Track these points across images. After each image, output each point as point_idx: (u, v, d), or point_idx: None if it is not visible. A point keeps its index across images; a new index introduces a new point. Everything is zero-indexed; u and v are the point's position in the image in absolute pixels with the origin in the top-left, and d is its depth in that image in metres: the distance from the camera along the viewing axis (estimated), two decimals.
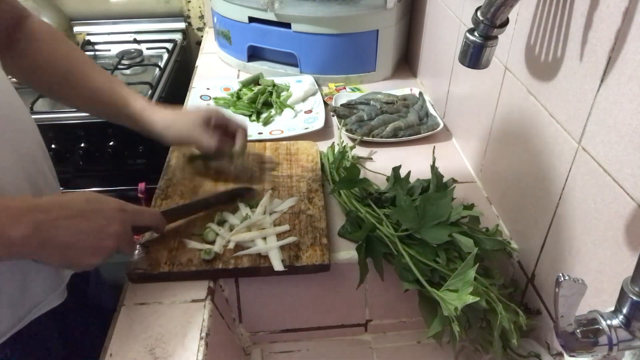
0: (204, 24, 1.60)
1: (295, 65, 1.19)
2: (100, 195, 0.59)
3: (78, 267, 0.57)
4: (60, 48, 0.74)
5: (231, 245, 0.68)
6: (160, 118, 0.75)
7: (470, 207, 0.73)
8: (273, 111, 1.05)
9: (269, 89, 1.09)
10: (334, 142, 0.92)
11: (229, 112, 0.95)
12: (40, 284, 0.64)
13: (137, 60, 1.43)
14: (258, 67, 1.22)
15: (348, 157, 0.86)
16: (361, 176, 0.76)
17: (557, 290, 0.39)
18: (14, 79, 0.69)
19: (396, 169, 0.77)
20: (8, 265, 0.58)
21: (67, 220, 0.53)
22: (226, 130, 0.79)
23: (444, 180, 0.77)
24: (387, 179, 0.80)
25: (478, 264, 0.58)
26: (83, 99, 0.75)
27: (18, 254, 0.51)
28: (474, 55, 0.56)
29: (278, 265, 0.65)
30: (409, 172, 0.76)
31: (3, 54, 0.68)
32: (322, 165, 0.86)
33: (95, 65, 0.76)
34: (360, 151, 0.93)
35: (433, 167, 0.75)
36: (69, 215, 0.53)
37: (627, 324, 0.40)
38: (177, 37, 1.56)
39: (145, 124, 0.75)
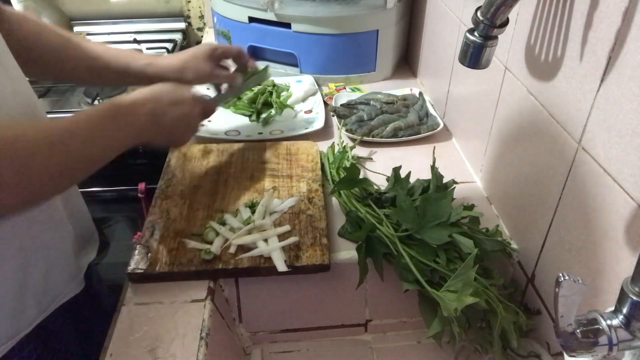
0: (204, 24, 1.60)
1: (295, 65, 1.19)
2: (176, 86, 0.68)
3: (178, 144, 0.77)
4: (47, 25, 0.74)
5: (232, 250, 0.68)
6: (169, 65, 0.78)
7: (470, 207, 0.73)
8: (273, 111, 1.05)
9: (269, 89, 1.09)
10: (333, 142, 0.92)
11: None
12: (60, 273, 0.66)
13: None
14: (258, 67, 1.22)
15: (348, 157, 0.86)
16: (361, 176, 0.76)
17: (557, 290, 0.39)
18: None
19: (396, 169, 0.77)
20: (33, 254, 0.61)
21: (169, 107, 0.65)
22: (227, 58, 0.85)
23: (444, 180, 0.77)
24: (387, 179, 0.80)
25: (478, 265, 0.58)
26: (83, 67, 0.75)
27: (139, 138, 0.63)
28: (474, 55, 0.56)
29: (281, 267, 0.65)
30: (409, 173, 0.76)
31: None
32: (322, 165, 0.86)
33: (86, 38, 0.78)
34: (360, 151, 0.93)
35: (433, 168, 0.75)
36: (169, 102, 0.65)
37: (627, 324, 0.40)
38: (177, 37, 1.56)
39: (154, 76, 0.76)
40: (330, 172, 0.83)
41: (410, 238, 0.67)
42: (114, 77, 0.78)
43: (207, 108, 0.74)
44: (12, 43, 0.61)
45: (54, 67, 0.75)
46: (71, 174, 0.56)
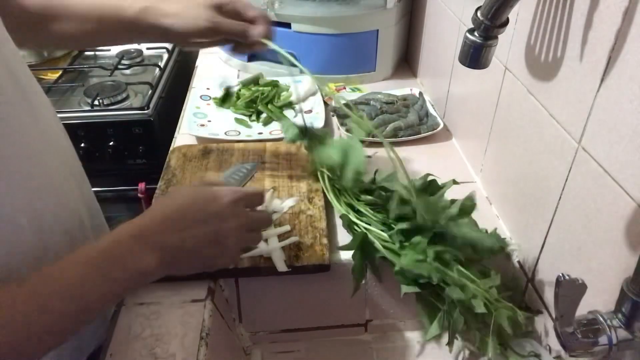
0: None
1: (296, 65, 1.19)
2: (205, 193, 0.54)
3: (210, 269, 0.56)
4: None
5: None
6: (168, 10, 0.67)
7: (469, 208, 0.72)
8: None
9: (267, 91, 1.08)
10: None
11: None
12: (92, 332, 0.64)
13: (137, 60, 1.43)
14: (258, 67, 1.22)
15: None
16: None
17: (557, 290, 0.39)
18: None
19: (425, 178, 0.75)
20: None
21: (186, 231, 0.51)
22: (242, 19, 0.69)
23: (444, 180, 0.76)
24: (376, 173, 0.79)
25: (476, 266, 0.58)
26: (71, 27, 0.67)
27: (151, 280, 0.51)
28: (474, 55, 0.56)
29: (282, 267, 0.65)
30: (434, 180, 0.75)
31: None
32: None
33: None
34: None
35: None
36: (185, 227, 0.51)
37: (627, 324, 0.40)
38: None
39: (152, 23, 0.67)
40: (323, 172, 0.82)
41: (405, 237, 0.66)
42: (111, 27, 0.68)
43: (250, 210, 0.57)
44: None
45: (40, 33, 0.67)
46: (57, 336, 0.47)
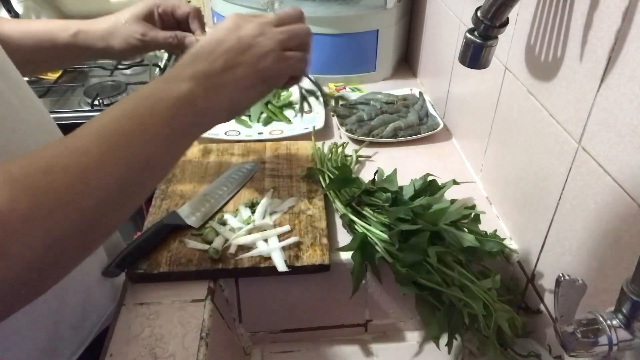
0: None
1: None
2: (235, 20, 0.53)
3: (271, 87, 0.54)
4: None
5: (232, 250, 0.68)
6: (100, 31, 0.65)
7: (472, 207, 0.73)
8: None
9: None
10: (335, 142, 0.92)
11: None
12: (99, 300, 0.62)
13: (137, 60, 1.43)
14: None
15: (338, 156, 0.86)
16: (361, 176, 0.76)
17: (557, 290, 0.39)
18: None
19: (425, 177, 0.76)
20: (70, 282, 0.55)
21: (215, 56, 0.48)
22: (176, 19, 0.68)
23: (444, 181, 0.77)
24: (375, 173, 0.79)
25: (476, 266, 0.58)
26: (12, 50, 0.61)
27: (202, 108, 0.47)
28: (474, 55, 0.56)
29: (282, 267, 0.65)
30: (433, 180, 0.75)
31: None
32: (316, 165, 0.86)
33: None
34: (360, 151, 0.93)
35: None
36: (215, 52, 0.49)
37: (627, 324, 0.40)
38: None
39: (86, 47, 0.65)
40: (321, 172, 0.82)
41: (404, 238, 0.66)
42: (43, 59, 0.66)
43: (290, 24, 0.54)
44: None
45: None
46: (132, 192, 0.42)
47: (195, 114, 0.46)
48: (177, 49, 0.67)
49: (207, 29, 0.68)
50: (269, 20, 0.53)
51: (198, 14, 0.67)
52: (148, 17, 0.65)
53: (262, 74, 0.51)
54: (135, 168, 0.41)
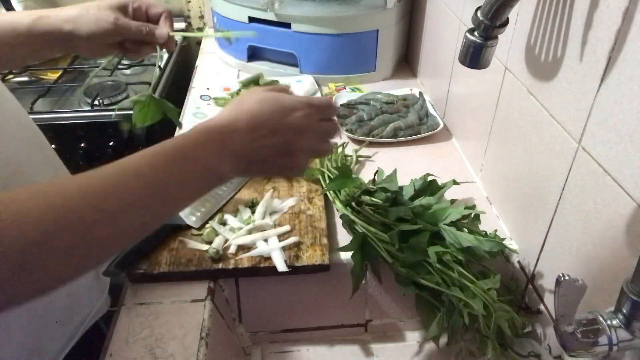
0: (204, 24, 1.60)
1: (295, 65, 1.19)
2: (284, 103, 0.52)
3: (278, 176, 0.56)
4: None
5: (232, 250, 0.68)
6: (65, 15, 0.62)
7: (472, 207, 0.73)
8: None
9: None
10: (333, 142, 0.92)
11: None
12: (86, 294, 0.61)
13: (137, 60, 1.43)
14: (258, 67, 1.22)
15: (338, 156, 0.86)
16: (361, 176, 0.76)
17: (557, 290, 0.39)
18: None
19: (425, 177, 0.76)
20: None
21: (264, 139, 0.49)
22: (147, 18, 0.67)
23: (444, 181, 0.77)
24: (376, 174, 0.79)
25: (476, 266, 0.58)
26: None
27: (225, 182, 0.50)
28: (474, 55, 0.56)
29: (282, 267, 0.65)
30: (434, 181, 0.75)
31: None
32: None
33: None
34: (360, 151, 0.93)
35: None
36: (262, 135, 0.49)
37: (627, 324, 0.40)
38: (177, 37, 1.56)
39: (46, 33, 0.61)
40: (321, 172, 0.82)
41: (404, 238, 0.66)
42: (4, 51, 0.61)
43: (324, 116, 0.56)
44: None
45: None
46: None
47: (219, 183, 0.49)
48: (146, 40, 0.66)
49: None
50: (314, 111, 0.53)
51: (170, 16, 0.68)
52: (122, 9, 0.64)
53: (291, 162, 0.53)
54: (143, 228, 0.42)
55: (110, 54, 0.68)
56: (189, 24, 1.60)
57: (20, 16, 0.61)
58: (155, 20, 0.67)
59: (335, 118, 0.58)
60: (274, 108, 0.51)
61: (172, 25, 0.67)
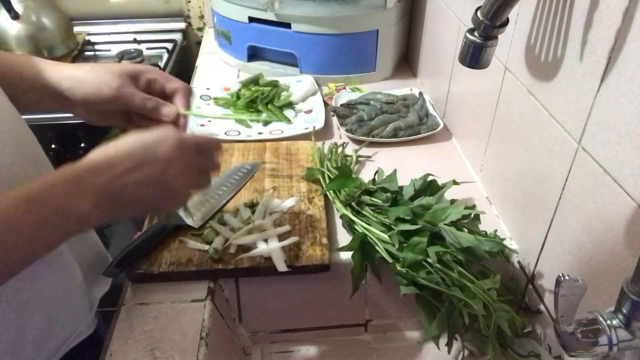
0: (204, 24, 1.60)
1: (295, 65, 1.19)
2: (152, 135, 0.49)
3: (158, 213, 0.53)
4: None
5: (232, 250, 0.68)
6: (69, 72, 0.57)
7: (472, 207, 0.73)
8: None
9: (267, 91, 1.08)
10: (335, 142, 0.92)
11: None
12: (67, 314, 0.59)
13: (137, 60, 1.43)
14: (258, 67, 1.22)
15: (338, 156, 0.86)
16: (361, 176, 0.76)
17: (557, 290, 0.39)
18: None
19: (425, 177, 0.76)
20: (34, 296, 0.53)
21: (127, 175, 0.46)
22: (163, 93, 0.61)
23: (444, 181, 0.77)
24: (376, 174, 0.79)
25: (476, 266, 0.58)
26: None
27: (91, 225, 0.47)
28: (474, 55, 0.56)
29: (281, 267, 0.65)
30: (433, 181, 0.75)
31: None
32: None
33: None
34: (360, 151, 0.93)
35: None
36: (126, 169, 0.46)
37: (627, 324, 0.40)
38: (177, 37, 1.56)
39: (46, 84, 0.56)
40: (322, 172, 0.82)
41: (404, 238, 0.66)
42: (17, 89, 0.56)
43: (197, 163, 0.51)
44: None
45: None
46: None
47: (84, 226, 0.46)
48: (150, 115, 0.59)
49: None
50: (188, 141, 0.50)
51: (188, 93, 0.62)
52: (133, 77, 0.59)
53: (165, 195, 0.49)
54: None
55: (111, 124, 0.63)
56: (189, 24, 1.60)
57: (33, 62, 0.57)
58: (170, 96, 0.61)
59: (218, 160, 0.54)
60: (138, 142, 0.48)
61: (188, 103, 0.61)
